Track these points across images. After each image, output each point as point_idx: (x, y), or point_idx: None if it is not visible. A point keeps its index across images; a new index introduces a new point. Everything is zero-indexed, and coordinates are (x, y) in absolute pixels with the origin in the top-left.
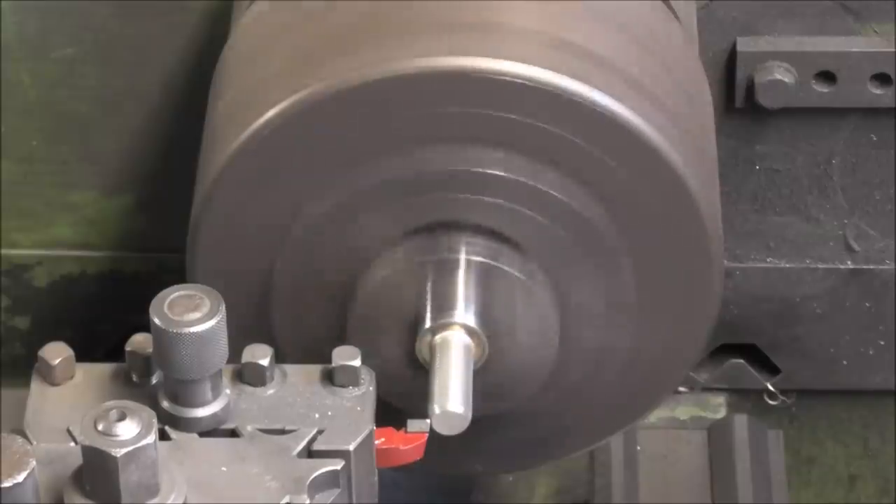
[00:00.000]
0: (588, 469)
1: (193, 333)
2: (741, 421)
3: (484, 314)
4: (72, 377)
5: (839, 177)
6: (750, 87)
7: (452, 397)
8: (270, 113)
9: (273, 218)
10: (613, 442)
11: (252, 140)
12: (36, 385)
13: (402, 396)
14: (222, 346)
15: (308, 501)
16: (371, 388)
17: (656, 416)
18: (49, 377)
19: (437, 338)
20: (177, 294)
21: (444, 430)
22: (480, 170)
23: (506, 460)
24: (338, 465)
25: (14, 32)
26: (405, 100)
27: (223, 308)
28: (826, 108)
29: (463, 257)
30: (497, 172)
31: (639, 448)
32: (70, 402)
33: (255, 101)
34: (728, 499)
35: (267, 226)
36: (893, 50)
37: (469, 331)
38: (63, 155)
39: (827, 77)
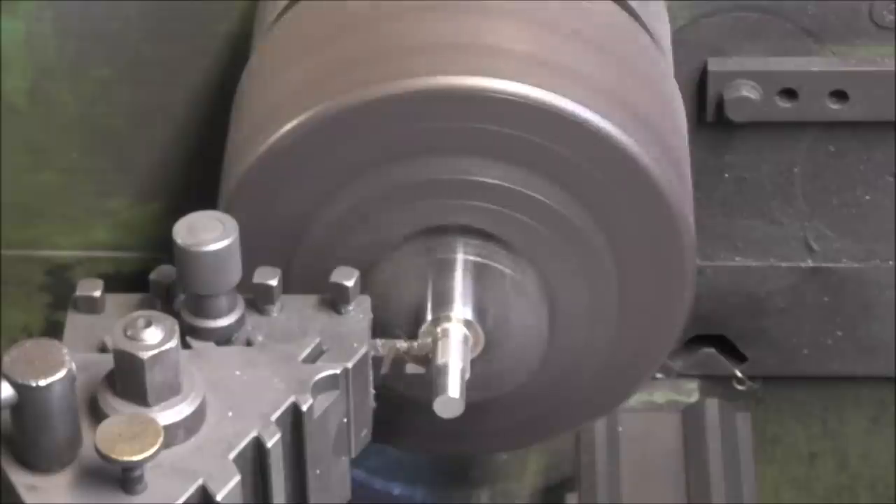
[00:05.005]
0: (574, 448)
1: (211, 251)
2: (712, 404)
3: (480, 309)
4: (104, 308)
5: (800, 184)
6: (720, 103)
7: (451, 384)
8: (285, 128)
9: (289, 223)
10: (597, 424)
11: (269, 153)
12: (71, 315)
13: (407, 383)
14: (236, 263)
15: (311, 401)
16: (367, 312)
17: (636, 400)
18: (83, 308)
19: (438, 330)
20: (195, 218)
21: (444, 413)
22: (477, 178)
23: (499, 441)
24: (337, 368)
25: (56, 55)
26: (407, 116)
27: (237, 230)
28: (788, 122)
29: (460, 257)
30: (492, 181)
31: (620, 429)
32: (102, 328)
33: (272, 117)
34: (701, 474)
35: (283, 230)
36: (849, 69)
37: (466, 324)
38: (100, 166)
39: (789, 94)
